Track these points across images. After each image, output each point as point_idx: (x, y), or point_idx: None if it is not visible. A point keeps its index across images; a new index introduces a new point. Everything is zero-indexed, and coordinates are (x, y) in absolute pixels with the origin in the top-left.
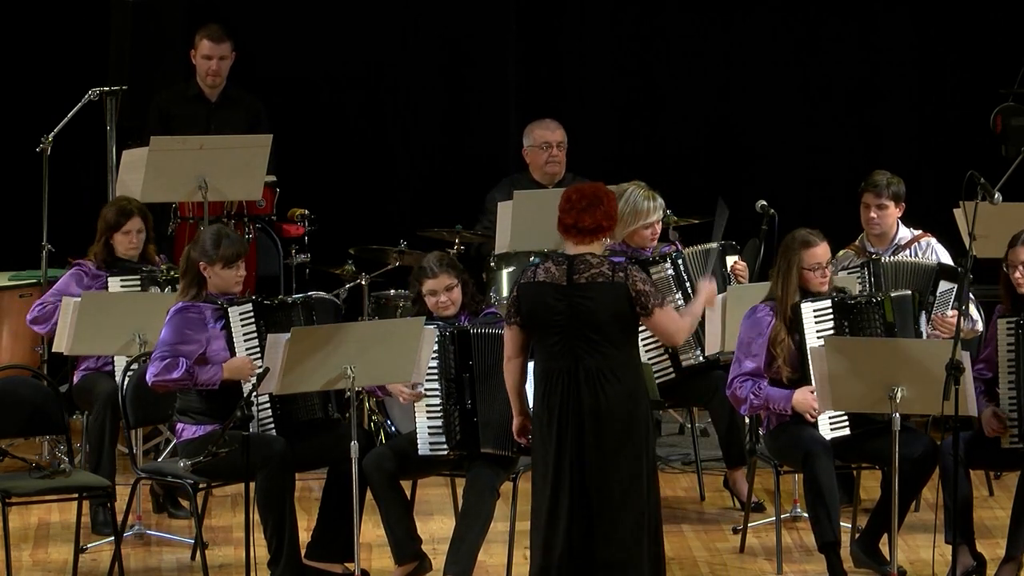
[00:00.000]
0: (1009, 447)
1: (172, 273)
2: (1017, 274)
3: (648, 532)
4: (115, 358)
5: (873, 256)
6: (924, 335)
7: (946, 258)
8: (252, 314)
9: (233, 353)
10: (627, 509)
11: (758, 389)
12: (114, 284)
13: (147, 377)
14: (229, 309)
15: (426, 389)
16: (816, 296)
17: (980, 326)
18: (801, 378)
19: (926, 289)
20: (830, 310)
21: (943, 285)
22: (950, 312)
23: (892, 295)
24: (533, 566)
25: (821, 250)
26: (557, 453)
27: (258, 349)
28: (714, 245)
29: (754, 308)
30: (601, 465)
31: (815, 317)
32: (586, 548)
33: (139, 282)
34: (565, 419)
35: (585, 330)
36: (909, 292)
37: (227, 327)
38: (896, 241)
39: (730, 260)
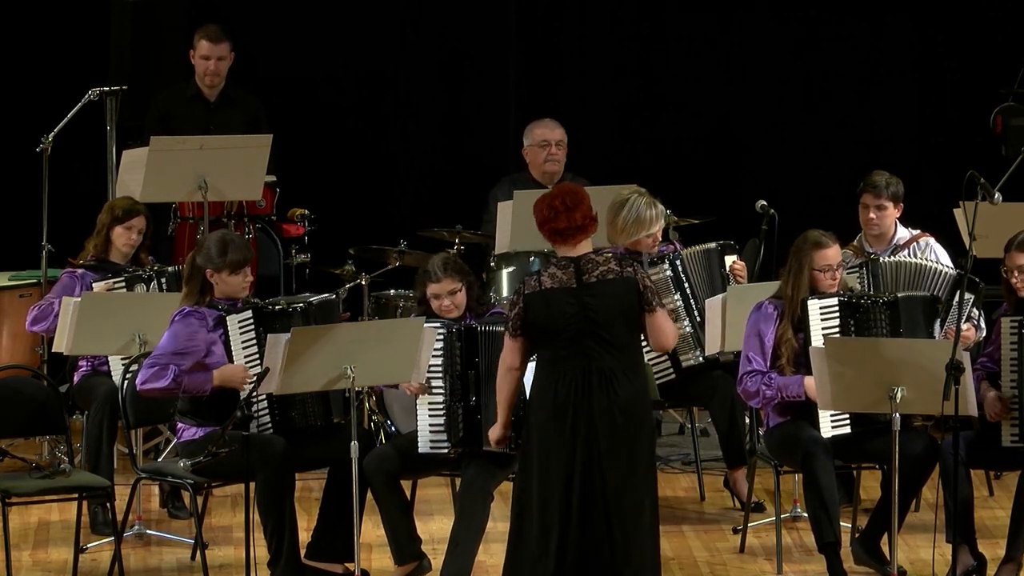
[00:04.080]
0: (1010, 446)
1: (156, 268)
2: (1015, 279)
3: (656, 530)
4: (110, 358)
5: (872, 256)
6: None
7: (945, 258)
8: (251, 321)
9: (231, 360)
10: (643, 509)
11: (768, 380)
12: (99, 287)
13: (136, 382)
14: (227, 318)
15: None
16: (824, 293)
17: (984, 334)
18: (806, 375)
19: (932, 292)
20: (836, 308)
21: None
22: (964, 326)
23: (900, 295)
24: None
25: (832, 252)
26: (569, 455)
27: (257, 357)
28: (712, 245)
29: (759, 304)
30: (615, 466)
31: (821, 314)
32: (603, 549)
33: (124, 282)
34: (577, 421)
35: (597, 330)
36: (925, 294)
37: (225, 335)
38: (895, 241)
39: (728, 260)
